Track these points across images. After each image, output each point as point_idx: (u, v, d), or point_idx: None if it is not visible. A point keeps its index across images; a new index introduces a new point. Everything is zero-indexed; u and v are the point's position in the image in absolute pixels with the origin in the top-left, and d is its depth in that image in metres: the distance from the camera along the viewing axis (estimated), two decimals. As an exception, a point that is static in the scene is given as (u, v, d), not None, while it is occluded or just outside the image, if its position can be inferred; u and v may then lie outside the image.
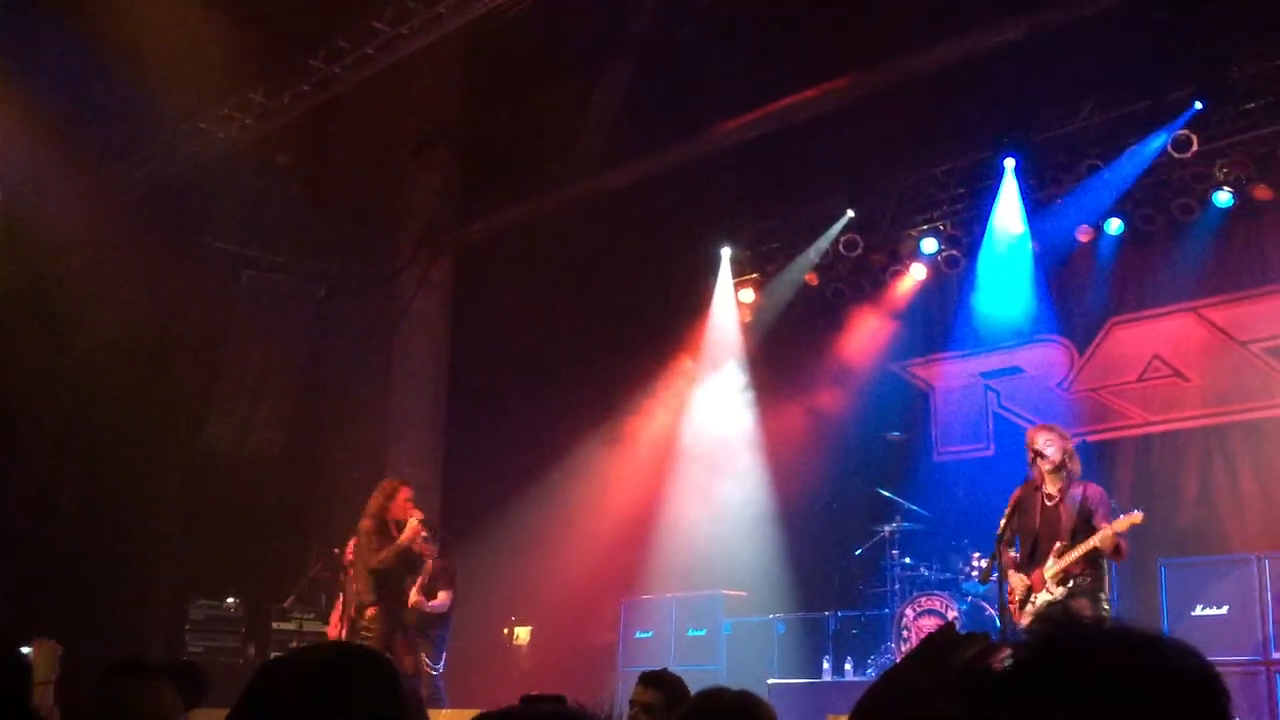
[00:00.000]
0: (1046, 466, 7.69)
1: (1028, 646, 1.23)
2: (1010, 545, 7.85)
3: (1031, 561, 7.71)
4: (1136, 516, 7.38)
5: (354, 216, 13.24)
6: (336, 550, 10.68)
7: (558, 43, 11.96)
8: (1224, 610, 8.27)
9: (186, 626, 11.33)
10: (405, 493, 9.29)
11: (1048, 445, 7.72)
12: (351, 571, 10.34)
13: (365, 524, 9.11)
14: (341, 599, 10.38)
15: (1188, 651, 1.22)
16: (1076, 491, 7.67)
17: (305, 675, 1.49)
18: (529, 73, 12.43)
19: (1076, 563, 7.51)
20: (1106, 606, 7.63)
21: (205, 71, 11.12)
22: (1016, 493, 7.86)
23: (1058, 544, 7.56)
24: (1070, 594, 7.50)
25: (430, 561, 10.15)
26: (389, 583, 9.01)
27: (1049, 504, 7.70)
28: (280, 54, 11.18)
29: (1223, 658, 7.92)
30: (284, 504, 13.10)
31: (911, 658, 1.61)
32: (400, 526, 9.09)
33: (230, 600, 11.59)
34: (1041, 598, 7.59)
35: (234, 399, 13.20)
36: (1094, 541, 7.39)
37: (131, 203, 12.34)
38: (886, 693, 1.61)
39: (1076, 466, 7.81)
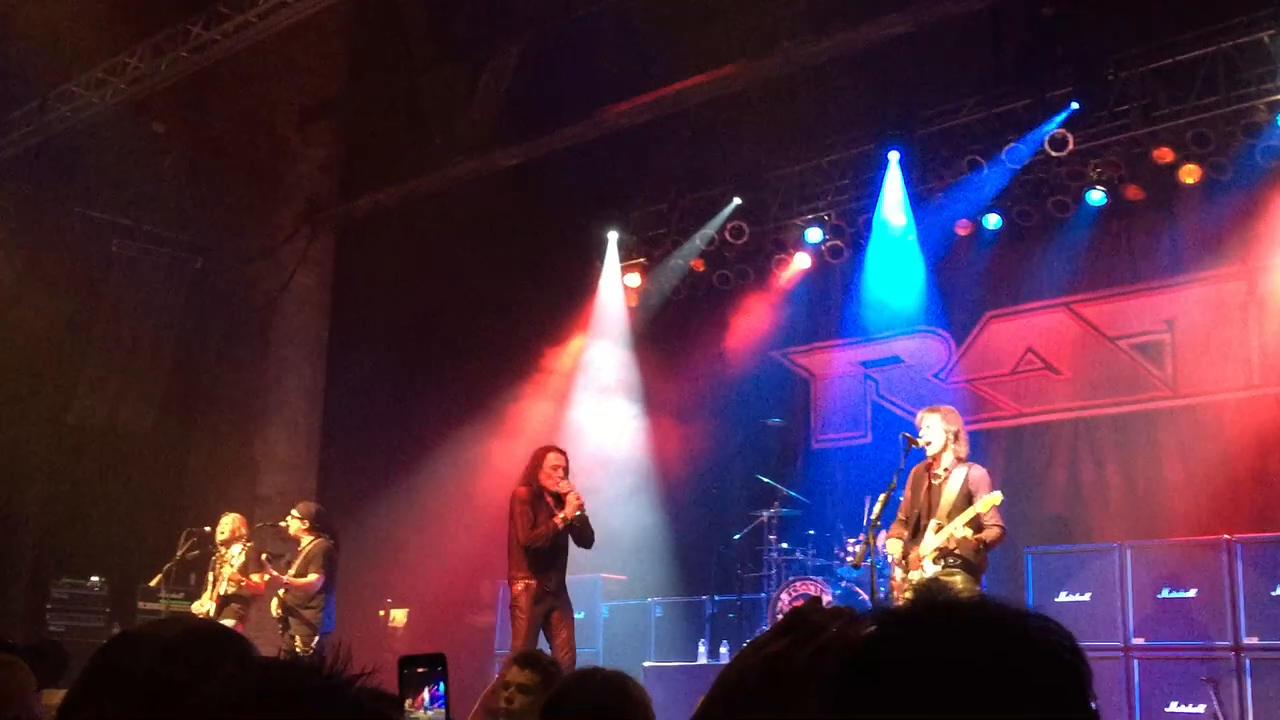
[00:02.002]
0: (930, 450, 7.86)
1: (889, 618, 1.23)
2: (907, 525, 8.00)
3: (914, 537, 7.88)
4: (996, 497, 7.58)
5: (233, 188, 12.93)
6: (208, 529, 10.44)
7: (446, 19, 11.82)
8: (1087, 597, 8.52)
9: (48, 605, 11.00)
10: (551, 458, 8.67)
11: (929, 430, 7.90)
12: (224, 552, 10.13)
13: (520, 492, 8.60)
14: (211, 579, 10.15)
15: (1051, 627, 1.22)
16: (961, 471, 7.84)
17: (151, 649, 1.43)
18: (416, 48, 12.26)
19: (952, 542, 7.66)
20: (978, 589, 7.79)
21: (79, 33, 10.77)
22: (914, 471, 8.07)
23: (934, 522, 7.73)
24: (947, 571, 7.65)
25: (308, 541, 9.98)
26: (539, 558, 8.50)
27: (934, 483, 7.87)
28: (159, 17, 10.86)
29: (1085, 644, 8.03)
30: (154, 482, 12.77)
31: (777, 631, 1.61)
32: (557, 498, 8.53)
33: (95, 579, 11.27)
34: (915, 575, 7.74)
35: (104, 372, 12.82)
36: (961, 520, 7.55)
37: (0, 168, 11.91)
38: (751, 666, 1.60)
39: (964, 448, 7.97)
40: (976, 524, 7.60)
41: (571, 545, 8.76)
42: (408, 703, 2.41)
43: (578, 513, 8.47)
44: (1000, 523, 7.72)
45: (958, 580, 7.59)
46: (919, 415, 8.13)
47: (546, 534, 8.43)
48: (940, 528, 7.70)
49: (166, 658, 1.44)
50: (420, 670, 2.44)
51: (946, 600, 1.25)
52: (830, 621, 1.53)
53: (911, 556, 7.83)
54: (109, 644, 1.59)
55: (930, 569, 7.71)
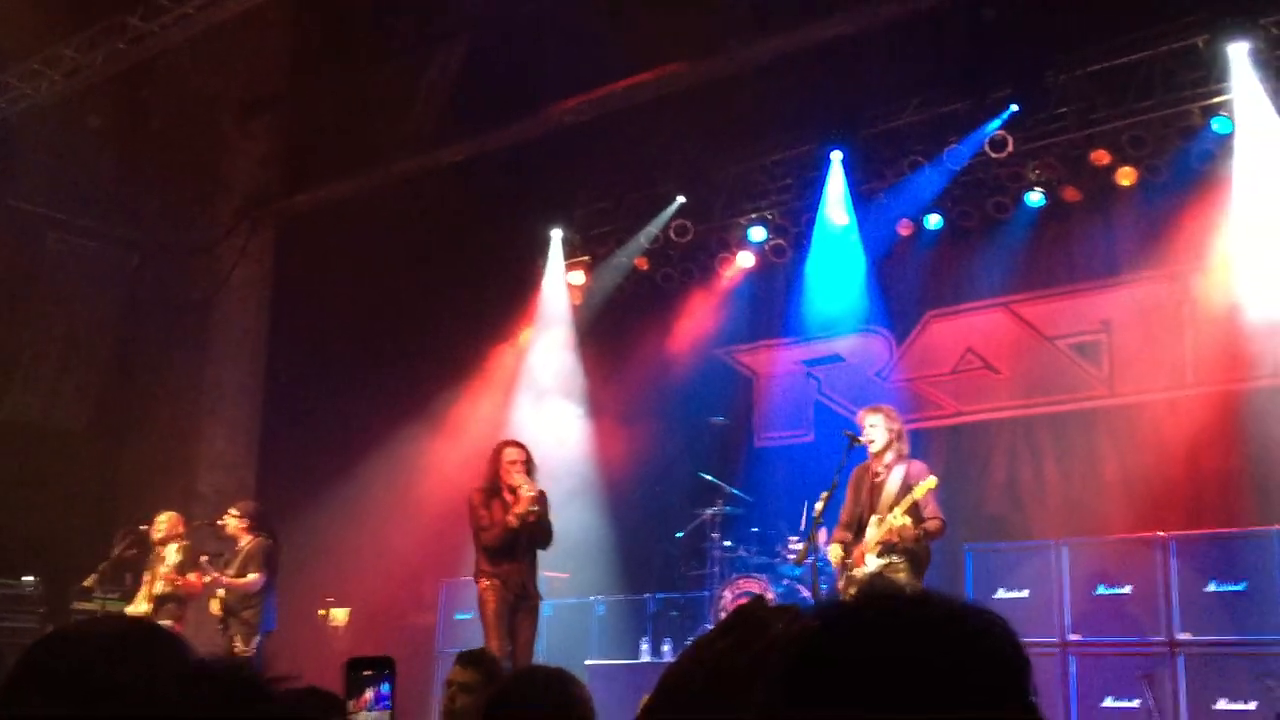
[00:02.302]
0: (872, 448, 7.94)
1: (833, 613, 1.23)
2: (850, 527, 8.07)
3: (858, 537, 7.95)
4: (931, 481, 7.66)
5: (171, 183, 12.75)
6: (144, 527, 10.28)
7: (390, 13, 11.73)
8: (1025, 594, 8.62)
9: (-20, 606, 10.80)
10: (509, 452, 8.31)
11: (872, 430, 7.98)
12: (160, 551, 9.99)
13: (475, 487, 8.33)
14: (147, 578, 10.00)
15: (992, 620, 1.24)
16: (900, 468, 7.92)
17: (82, 643, 1.41)
18: (360, 42, 12.17)
19: (893, 533, 7.73)
20: (920, 584, 7.87)
21: (12, 23, 10.56)
22: (854, 472, 8.13)
23: (875, 517, 7.80)
24: (890, 566, 7.72)
25: (247, 540, 9.87)
26: (498, 555, 8.20)
27: (875, 481, 7.95)
28: (95, 9, 10.68)
29: (1022, 639, 8.22)
30: (90, 479, 12.57)
31: (721, 629, 1.61)
32: (514, 492, 8.20)
33: (28, 579, 11.07)
34: (859, 571, 7.81)
35: (38, 368, 12.60)
36: (900, 509, 7.63)
37: (-71, 159, 11.68)
38: (696, 665, 1.60)
39: (905, 446, 8.07)
40: (916, 515, 7.67)
41: None
42: (351, 704, 2.39)
43: (532, 508, 8.14)
44: (940, 515, 7.81)
45: (901, 576, 7.67)
46: (861, 414, 8.20)
47: (497, 532, 8.19)
48: (882, 521, 7.77)
49: (99, 656, 1.41)
50: (367, 673, 2.43)
51: (888, 594, 1.27)
52: (775, 620, 1.54)
53: (855, 553, 7.89)
54: (39, 642, 1.56)
55: (874, 563, 7.77)
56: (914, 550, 7.81)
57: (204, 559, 9.77)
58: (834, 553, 8.04)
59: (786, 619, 1.52)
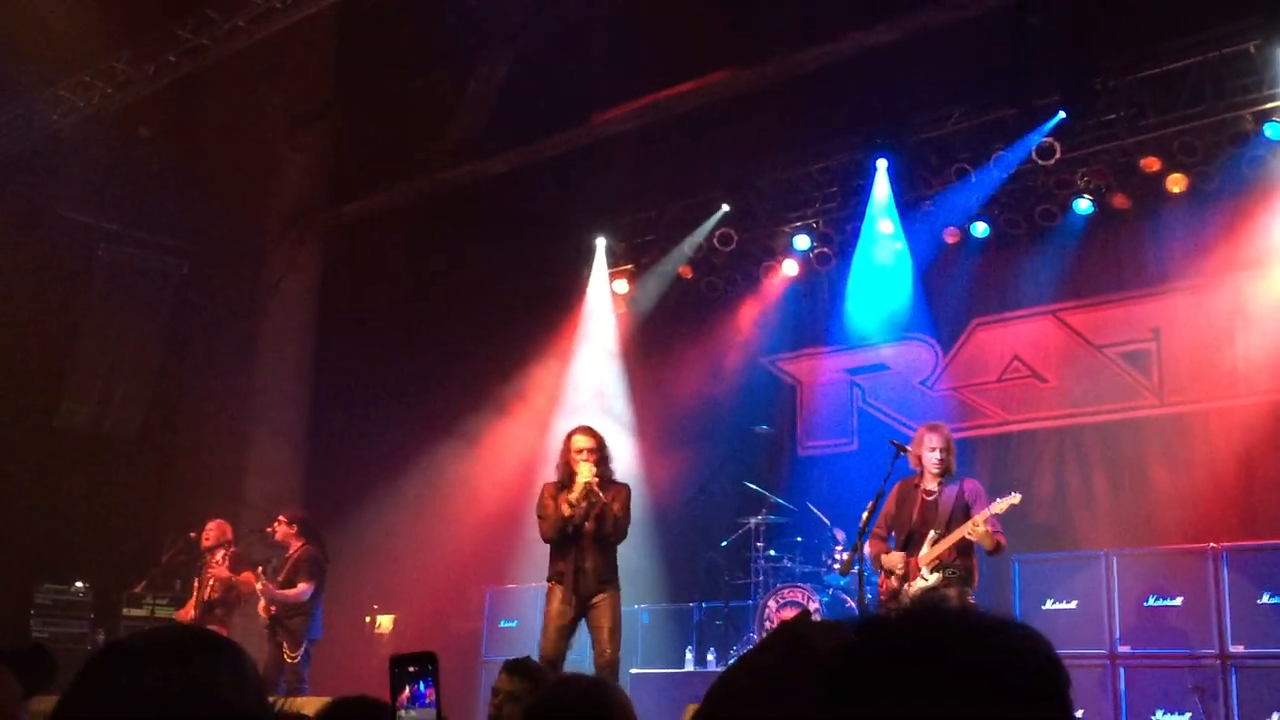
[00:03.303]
0: (934, 470, 7.91)
1: (874, 626, 1.25)
2: (885, 539, 8.08)
3: (904, 552, 7.94)
4: (1015, 498, 7.62)
5: (220, 194, 12.88)
6: (193, 534, 10.39)
7: (435, 25, 11.81)
8: (1073, 605, 8.53)
9: (31, 611, 10.94)
10: (575, 440, 7.85)
11: (933, 450, 7.95)
12: (210, 558, 10.09)
13: (549, 481, 7.99)
14: (196, 585, 10.11)
15: (1031, 636, 1.25)
16: (954, 487, 7.93)
17: (144, 654, 1.42)
18: (405, 54, 12.26)
19: (950, 551, 7.74)
20: (971, 601, 7.84)
21: (66, 37, 10.72)
22: (897, 488, 8.07)
23: (932, 533, 7.76)
24: (944, 581, 7.71)
25: (296, 547, 9.95)
26: (557, 552, 7.84)
27: (928, 499, 7.92)
28: (147, 22, 10.82)
29: (1071, 651, 8.18)
30: (139, 486, 12.72)
31: (767, 645, 1.61)
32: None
33: (79, 585, 11.21)
34: (916, 585, 7.79)
35: (90, 377, 12.77)
36: (965, 529, 7.61)
37: (-15, 170, 11.86)
38: (742, 680, 1.60)
39: (953, 463, 8.05)
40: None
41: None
42: (398, 700, 2.42)
43: (586, 496, 7.68)
44: (1003, 533, 7.78)
45: (952, 592, 7.65)
46: (923, 433, 8.12)
47: (551, 523, 7.82)
48: (939, 539, 7.74)
49: (165, 668, 1.42)
50: (411, 669, 2.45)
51: (929, 608, 1.28)
52: (820, 635, 1.53)
53: (909, 566, 7.87)
54: (103, 652, 1.57)
55: (930, 578, 7.76)
56: (967, 566, 7.81)
57: (259, 570, 9.86)
58: (891, 560, 7.97)
59: (831, 634, 1.51)
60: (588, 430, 7.95)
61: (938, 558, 7.77)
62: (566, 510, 7.74)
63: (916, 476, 8.06)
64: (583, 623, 7.96)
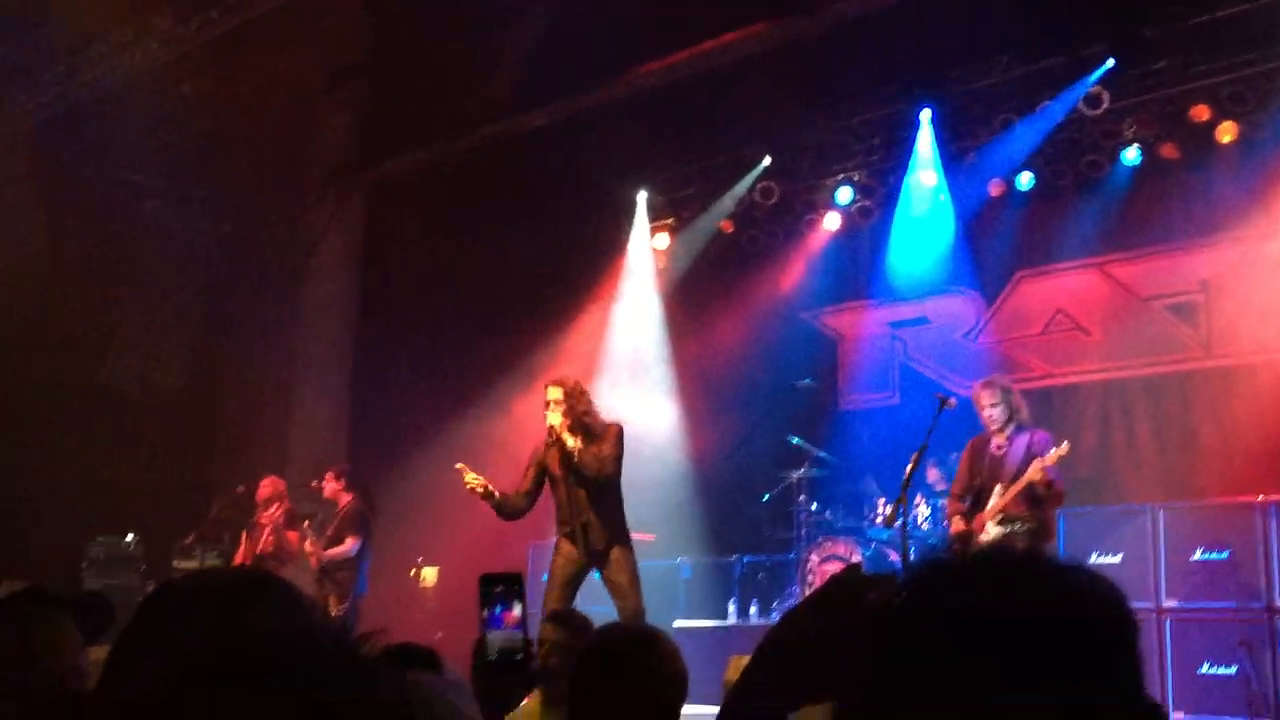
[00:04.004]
0: (994, 427, 7.79)
1: (928, 572, 1.20)
2: (962, 498, 7.94)
3: (976, 509, 7.81)
4: (1064, 448, 7.51)
5: (263, 150, 12.91)
6: (241, 488, 10.52)
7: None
8: (1118, 559, 8.47)
9: (84, 564, 11.12)
10: (547, 392, 7.68)
11: (993, 408, 7.78)
12: (262, 512, 10.22)
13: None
14: (245, 538, 10.25)
15: (1099, 578, 1.19)
16: (1023, 438, 7.75)
17: (200, 592, 1.44)
18: (443, 8, 12.19)
19: (1016, 503, 7.60)
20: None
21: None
22: (970, 444, 7.97)
23: (999, 486, 7.66)
24: (1009, 535, 7.59)
25: (344, 503, 10.06)
26: (559, 511, 7.72)
27: (997, 454, 7.79)
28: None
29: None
30: (187, 441, 12.86)
31: (815, 599, 1.60)
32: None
33: (130, 537, 11.38)
34: (980, 540, 7.70)
35: (136, 333, 12.90)
36: (1027, 475, 7.49)
37: (30, 130, 11.93)
38: (789, 633, 1.59)
39: (1025, 414, 7.87)
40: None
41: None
42: (484, 617, 2.46)
43: (550, 441, 7.51)
44: (1061, 482, 7.65)
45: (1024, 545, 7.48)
46: (977, 392, 7.93)
47: (527, 482, 7.71)
48: (1005, 490, 7.61)
49: (219, 607, 1.43)
50: (499, 589, 2.49)
51: (988, 553, 1.24)
52: (870, 588, 1.53)
53: (976, 521, 7.76)
54: (158, 591, 1.57)
55: (994, 530, 7.66)
56: (1039, 518, 7.64)
57: (306, 525, 9.99)
58: (955, 525, 7.90)
59: (881, 588, 1.50)
60: (555, 381, 7.76)
61: (1002, 509, 7.66)
62: (479, 490, 7.59)
63: (987, 432, 7.89)
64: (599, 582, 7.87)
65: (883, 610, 1.22)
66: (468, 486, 7.57)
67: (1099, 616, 1.16)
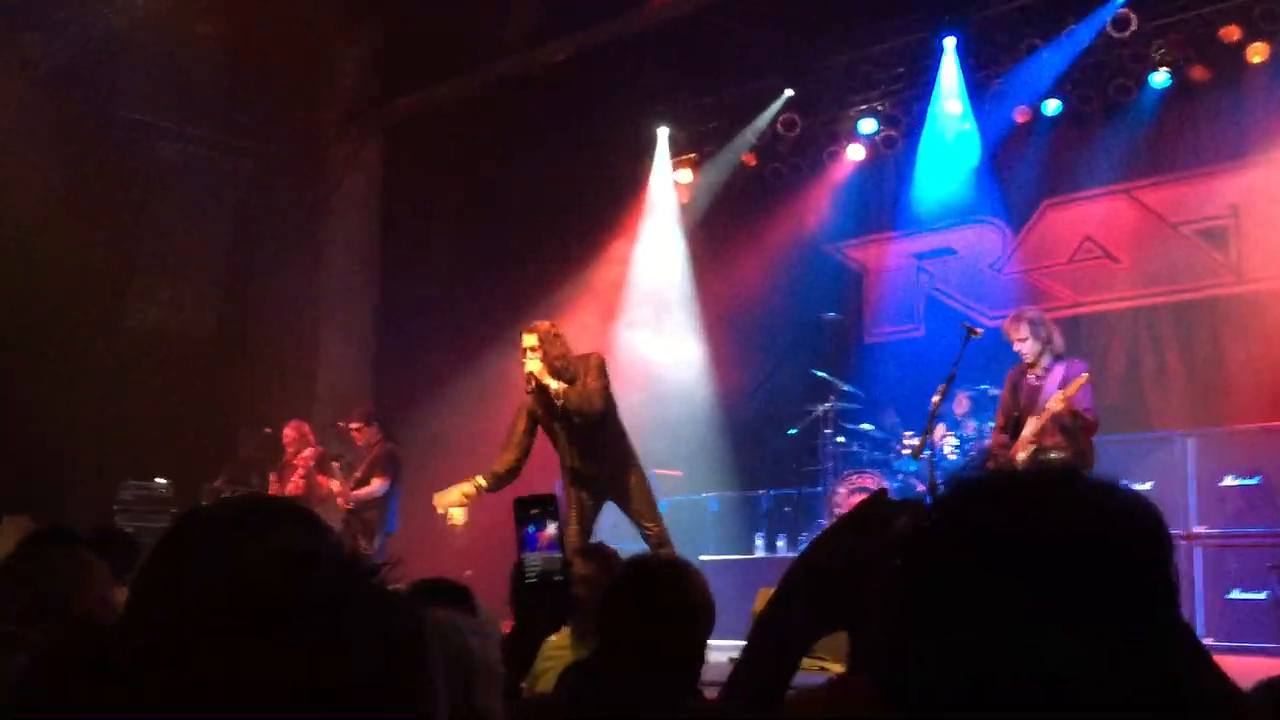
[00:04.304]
0: (1027, 360, 7.68)
1: (958, 487, 1.17)
2: (1005, 429, 7.81)
3: (1014, 440, 7.71)
4: (1083, 377, 7.40)
5: (279, 90, 12.83)
6: (269, 430, 10.57)
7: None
8: (1149, 486, 8.41)
9: (115, 507, 11.22)
10: (523, 339, 7.56)
11: (1021, 342, 7.63)
12: (290, 455, 10.27)
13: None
14: (275, 479, 10.31)
15: (1133, 493, 1.16)
16: (1059, 369, 7.60)
17: (223, 521, 1.43)
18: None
19: (1051, 433, 7.48)
20: None
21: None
22: (1010, 375, 7.84)
23: (1033, 418, 7.57)
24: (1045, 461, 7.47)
25: (373, 444, 10.11)
26: (560, 454, 7.67)
27: (1034, 384, 7.68)
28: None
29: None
30: (213, 383, 12.90)
31: (844, 525, 1.58)
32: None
33: (160, 480, 11.47)
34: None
35: (158, 277, 12.92)
36: (1048, 407, 7.40)
37: (44, 74, 11.88)
38: (818, 558, 1.57)
39: (1059, 343, 7.71)
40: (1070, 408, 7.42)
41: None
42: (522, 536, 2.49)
43: (529, 387, 7.44)
44: (1093, 409, 7.53)
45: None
46: (1006, 328, 7.77)
47: (519, 430, 7.70)
48: (1040, 420, 7.51)
49: (245, 532, 1.41)
50: (534, 511, 2.51)
51: (1024, 470, 1.21)
52: (899, 513, 1.50)
53: (1012, 451, 7.65)
54: (186, 517, 1.56)
55: (1022, 459, 7.51)
56: (1074, 448, 7.46)
57: (335, 465, 10.06)
58: (997, 453, 7.80)
59: (911, 512, 1.47)
60: (527, 328, 7.60)
61: (1034, 440, 7.56)
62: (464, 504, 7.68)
63: (1024, 363, 7.75)
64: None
65: (912, 533, 1.20)
66: (450, 522, 7.71)
67: (1131, 534, 1.13)
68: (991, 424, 8.18)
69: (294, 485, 10.13)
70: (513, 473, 7.66)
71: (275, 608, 0.95)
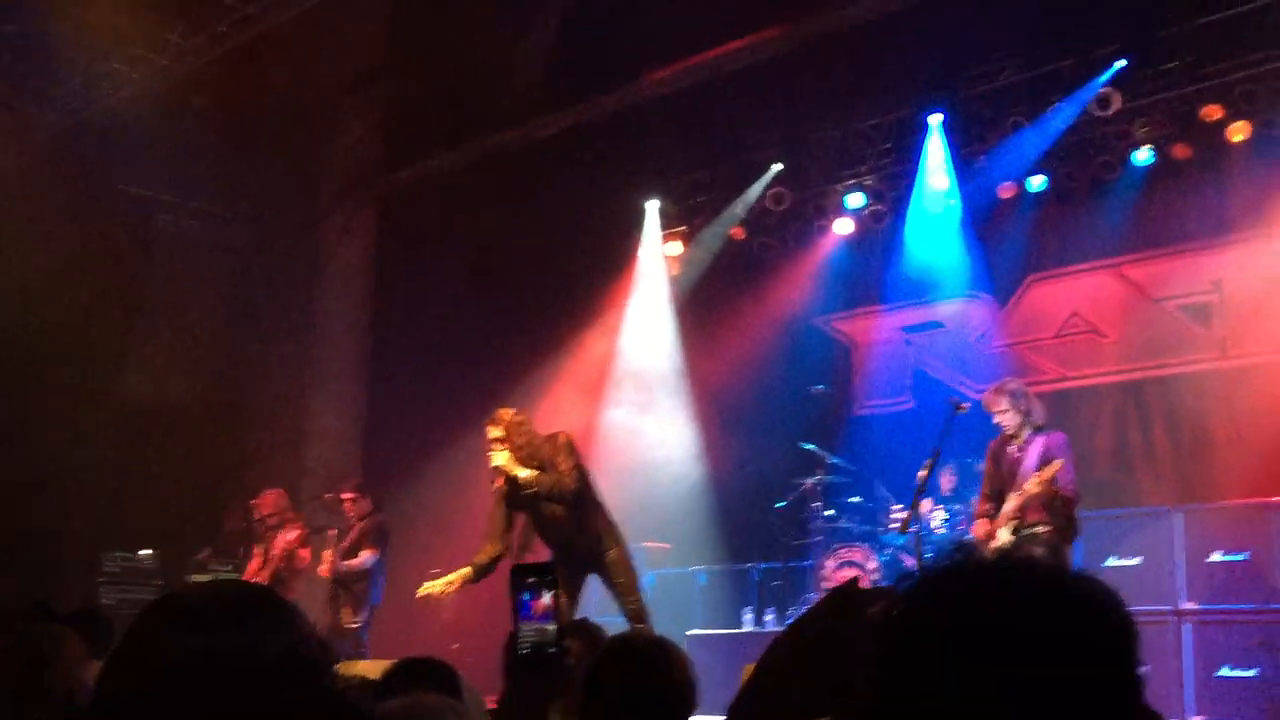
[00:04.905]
0: (1007, 432, 7.75)
1: (923, 584, 1.20)
2: (990, 498, 7.88)
3: (998, 513, 7.77)
4: (1058, 463, 7.43)
5: (275, 162, 12.96)
6: (255, 501, 10.53)
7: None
8: (1137, 561, 8.43)
9: (100, 579, 11.14)
10: (487, 432, 7.60)
11: (1002, 414, 7.72)
12: (271, 529, 10.22)
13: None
14: (259, 552, 10.26)
15: (1097, 585, 1.19)
16: (1039, 441, 7.68)
17: (192, 612, 1.44)
18: (457, 18, 12.22)
19: (1034, 509, 7.52)
20: (1068, 562, 7.67)
21: (119, 12, 10.80)
22: (991, 446, 7.91)
23: (1014, 493, 7.60)
24: (1021, 541, 7.51)
25: (362, 516, 10.08)
26: (541, 538, 7.70)
27: (1015, 456, 7.74)
28: (198, -7, 10.89)
29: (1135, 608, 7.94)
30: (203, 455, 12.89)
31: (817, 611, 1.60)
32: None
33: (145, 552, 11.39)
34: (992, 546, 7.62)
35: (152, 347, 12.94)
36: (1025, 488, 7.45)
37: (43, 145, 11.99)
38: (791, 645, 1.59)
39: (1039, 415, 7.79)
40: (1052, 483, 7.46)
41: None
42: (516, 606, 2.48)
43: (497, 484, 7.58)
44: (1075, 484, 7.58)
45: (1039, 550, 7.37)
46: (986, 399, 7.89)
47: (490, 513, 7.77)
48: (1020, 495, 7.54)
49: (211, 627, 1.43)
50: (531, 580, 2.50)
51: (986, 563, 1.23)
52: (871, 601, 1.52)
53: (992, 527, 7.70)
54: (153, 607, 1.58)
55: (1005, 538, 7.56)
56: (1055, 523, 7.51)
57: (331, 534, 10.02)
58: (976, 529, 7.86)
59: (883, 600, 1.49)
60: (490, 420, 7.62)
61: (1014, 515, 7.59)
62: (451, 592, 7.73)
63: (1005, 434, 7.82)
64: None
65: (882, 623, 1.22)
66: (423, 593, 7.78)
67: (1095, 627, 1.15)
68: (977, 497, 8.20)
69: (274, 560, 10.08)
70: (495, 563, 7.64)
71: (235, 701, 0.96)
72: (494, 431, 7.52)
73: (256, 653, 1.04)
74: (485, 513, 7.93)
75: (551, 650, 2.44)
